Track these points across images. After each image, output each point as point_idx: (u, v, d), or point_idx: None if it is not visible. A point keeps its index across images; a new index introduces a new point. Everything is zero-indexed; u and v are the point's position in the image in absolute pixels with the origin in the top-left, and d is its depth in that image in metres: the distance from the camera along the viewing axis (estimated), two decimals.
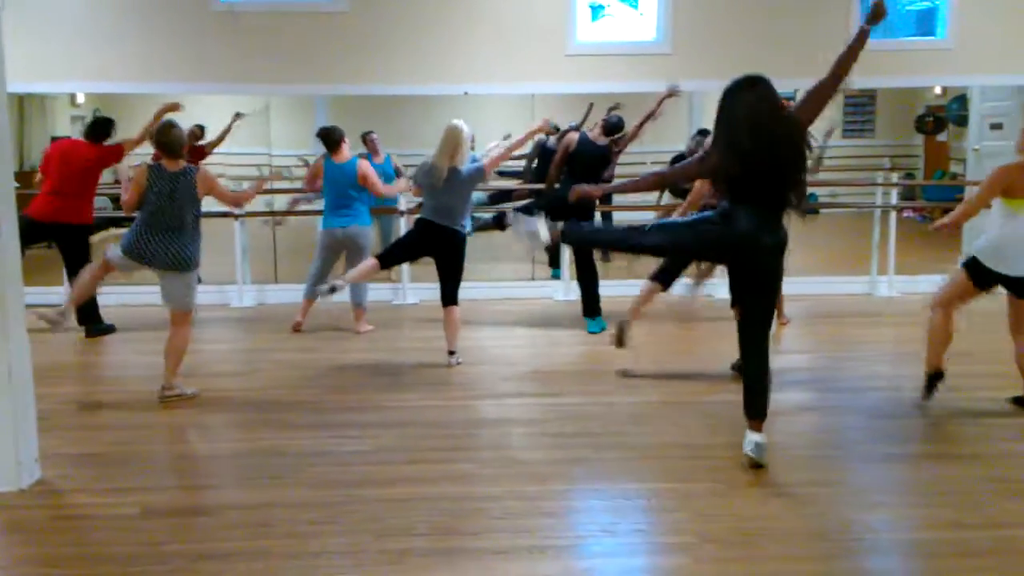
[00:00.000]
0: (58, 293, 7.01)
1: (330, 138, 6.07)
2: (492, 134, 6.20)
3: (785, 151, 3.51)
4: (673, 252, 4.40)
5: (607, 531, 3.18)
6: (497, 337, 6.07)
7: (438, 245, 5.24)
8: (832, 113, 6.18)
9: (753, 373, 3.68)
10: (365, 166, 6.08)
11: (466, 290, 6.08)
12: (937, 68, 7.48)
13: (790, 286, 7.33)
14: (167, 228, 4.49)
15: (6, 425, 3.45)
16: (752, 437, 3.63)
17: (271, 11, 7.16)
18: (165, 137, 4.55)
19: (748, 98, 3.52)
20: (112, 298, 7.22)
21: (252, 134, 8.06)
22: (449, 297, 5.28)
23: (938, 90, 12.28)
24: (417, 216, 5.45)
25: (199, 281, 4.83)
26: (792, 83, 8.07)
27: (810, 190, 10.56)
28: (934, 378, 4.41)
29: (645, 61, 7.37)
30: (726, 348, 5.36)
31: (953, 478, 3.59)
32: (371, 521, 3.20)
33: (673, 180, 5.18)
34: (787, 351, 5.76)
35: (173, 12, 7.13)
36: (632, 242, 3.93)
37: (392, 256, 5.54)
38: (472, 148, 5.39)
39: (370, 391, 4.84)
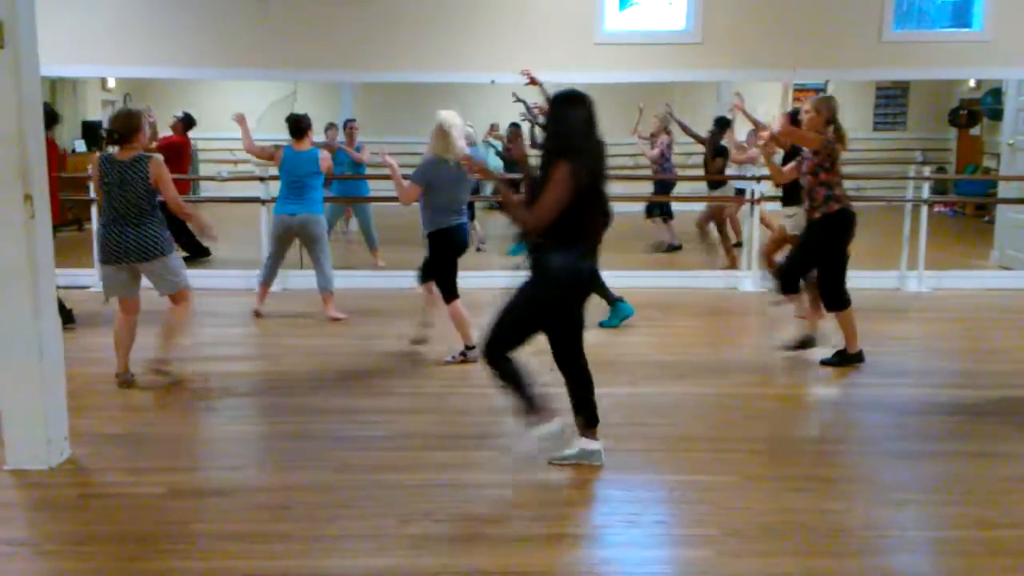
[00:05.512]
0: (89, 275, 7.13)
1: (298, 126, 6.20)
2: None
3: None
4: None
5: (628, 521, 3.17)
6: None
7: (461, 245, 5.03)
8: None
9: None
10: (326, 155, 6.27)
11: (486, 279, 6.08)
12: (972, 60, 7.33)
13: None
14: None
15: (37, 404, 3.51)
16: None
17: None
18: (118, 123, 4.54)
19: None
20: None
21: (278, 120, 8.09)
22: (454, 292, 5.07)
23: (972, 83, 12.05)
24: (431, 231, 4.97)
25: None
26: (820, 74, 8.03)
27: None
28: None
29: (674, 51, 7.30)
30: (749, 340, 5.34)
31: (982, 476, 3.54)
32: (392, 506, 3.22)
33: None
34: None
35: None
36: None
37: (448, 280, 5.05)
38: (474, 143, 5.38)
39: (392, 377, 4.86)
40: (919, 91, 12.45)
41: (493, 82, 7.30)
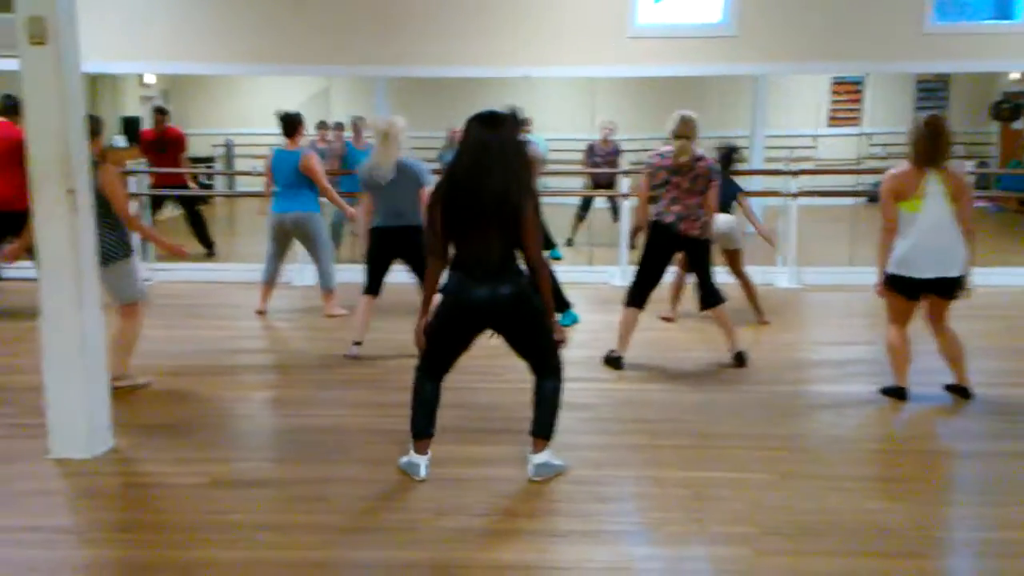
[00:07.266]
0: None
1: (288, 124, 6.08)
2: (552, 117, 6.15)
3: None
4: None
5: (663, 519, 3.15)
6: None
7: (402, 246, 5.04)
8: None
9: None
10: (310, 159, 6.05)
11: None
12: (1015, 53, 7.17)
13: (855, 276, 7.19)
14: None
15: (80, 394, 3.58)
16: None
17: None
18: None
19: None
20: (178, 274, 7.43)
21: (313, 117, 8.16)
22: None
23: (1016, 75, 11.77)
24: (371, 226, 5.09)
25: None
26: (859, 66, 7.90)
27: (875, 178, 10.32)
28: (899, 392, 4.39)
29: (710, 44, 7.24)
30: (786, 339, 5.28)
31: None
32: (428, 499, 3.24)
33: None
34: (854, 343, 5.62)
35: None
36: None
37: (373, 280, 5.20)
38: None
39: None
40: (960, 84, 12.17)
41: (527, 76, 7.29)
